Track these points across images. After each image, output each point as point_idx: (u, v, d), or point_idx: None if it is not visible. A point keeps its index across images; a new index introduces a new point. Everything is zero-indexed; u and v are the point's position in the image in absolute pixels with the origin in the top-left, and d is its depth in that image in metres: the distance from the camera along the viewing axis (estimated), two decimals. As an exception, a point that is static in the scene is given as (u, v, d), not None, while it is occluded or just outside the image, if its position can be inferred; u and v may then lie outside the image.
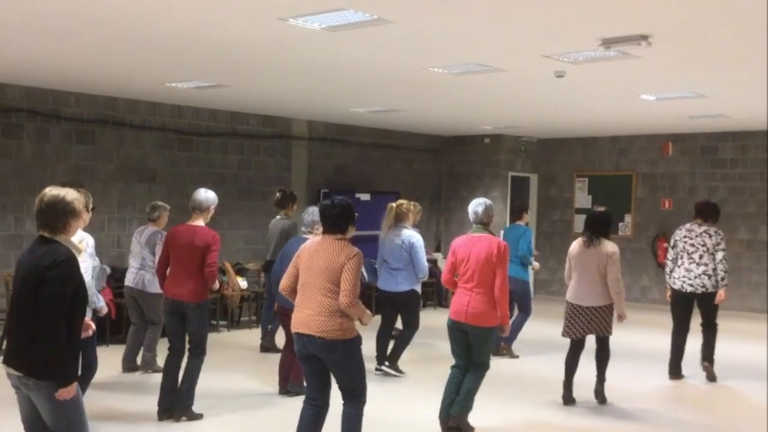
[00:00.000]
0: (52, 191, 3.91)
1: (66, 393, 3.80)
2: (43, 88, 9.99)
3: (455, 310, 6.12)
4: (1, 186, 9.73)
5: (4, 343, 4.13)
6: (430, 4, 5.73)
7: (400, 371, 8.32)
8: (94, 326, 4.95)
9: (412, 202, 8.43)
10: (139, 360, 8.32)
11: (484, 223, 6.21)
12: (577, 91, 9.45)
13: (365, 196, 13.14)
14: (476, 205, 6.23)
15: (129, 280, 8.25)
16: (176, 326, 6.54)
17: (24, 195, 9.92)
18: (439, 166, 15.52)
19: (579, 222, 14.79)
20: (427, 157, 15.24)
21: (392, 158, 14.54)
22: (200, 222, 6.49)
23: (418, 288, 8.28)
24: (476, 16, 6.06)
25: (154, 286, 7.92)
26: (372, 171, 14.15)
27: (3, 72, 9.02)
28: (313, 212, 7.02)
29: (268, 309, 9.32)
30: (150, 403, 6.71)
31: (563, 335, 7.29)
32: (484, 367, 6.21)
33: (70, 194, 3.91)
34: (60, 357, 3.77)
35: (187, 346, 6.54)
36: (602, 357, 7.29)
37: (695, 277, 8.13)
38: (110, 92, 10.38)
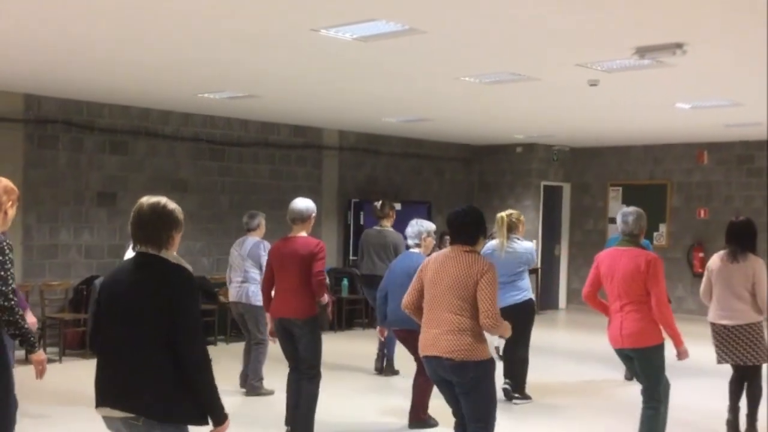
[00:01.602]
0: (150, 199, 3.44)
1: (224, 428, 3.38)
2: (78, 100, 10.10)
3: (611, 335, 5.43)
4: (36, 196, 9.84)
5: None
6: (463, 14, 5.69)
7: (527, 397, 7.67)
8: None
9: (517, 211, 7.89)
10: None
11: (634, 234, 5.45)
12: (610, 99, 9.35)
13: (396, 206, 13.07)
14: (625, 215, 5.47)
15: (233, 295, 7.85)
16: (289, 347, 6.07)
17: (58, 205, 10.02)
18: (471, 175, 15.44)
19: (613, 231, 14.62)
20: (458, 166, 15.18)
21: (423, 168, 14.50)
22: (303, 233, 6.07)
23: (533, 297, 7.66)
24: (509, 26, 6.02)
25: (259, 298, 7.35)
26: (403, 181, 14.12)
27: (39, 84, 9.13)
28: (418, 223, 6.70)
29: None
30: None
31: (719, 362, 6.39)
32: (655, 401, 5.40)
33: (170, 203, 3.47)
34: (212, 391, 3.31)
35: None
36: (752, 392, 6.37)
37: None
38: (143, 103, 10.47)
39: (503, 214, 7.64)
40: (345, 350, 9.95)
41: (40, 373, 4.38)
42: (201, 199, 11.34)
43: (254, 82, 8.71)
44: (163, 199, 3.46)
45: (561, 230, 15.46)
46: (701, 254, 13.78)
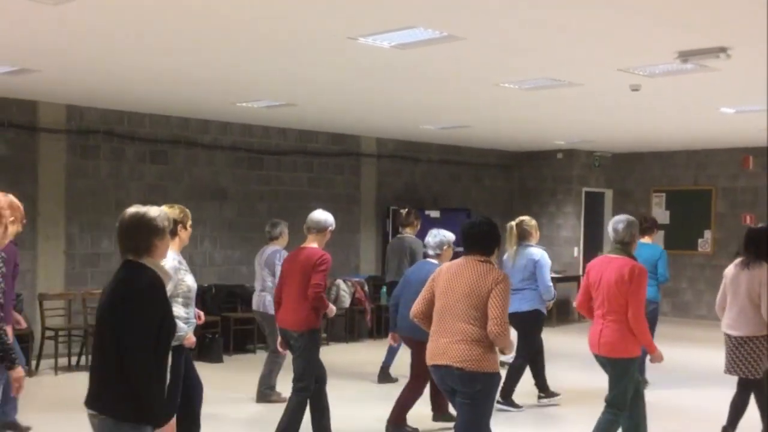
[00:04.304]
0: (131, 209, 3.51)
1: None
2: (119, 110, 10.21)
3: (590, 340, 5.39)
4: (78, 205, 9.95)
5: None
6: (501, 20, 5.62)
7: (517, 405, 7.54)
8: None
9: (529, 218, 7.77)
10: (278, 387, 7.71)
11: (625, 242, 5.35)
12: (653, 104, 9.20)
13: (435, 213, 13.03)
14: (616, 222, 5.41)
15: (254, 304, 7.95)
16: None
17: (100, 214, 10.12)
18: (510, 182, 15.31)
19: (657, 238, 14.45)
20: (497, 173, 15.06)
21: (462, 174, 14.41)
22: (314, 244, 5.98)
23: (543, 309, 7.54)
24: (549, 31, 5.93)
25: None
26: (441, 188, 14.05)
27: (81, 96, 9.24)
28: (439, 233, 6.56)
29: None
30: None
31: (725, 372, 6.28)
32: (616, 409, 5.34)
33: (152, 210, 3.51)
34: (149, 396, 3.34)
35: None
36: (740, 405, 6.20)
37: None
38: (183, 113, 10.55)
39: (512, 222, 7.58)
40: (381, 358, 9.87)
41: (16, 390, 4.41)
42: (240, 207, 11.39)
43: (292, 90, 8.72)
44: (144, 208, 3.52)
45: (603, 237, 15.26)
46: (747, 261, 13.52)
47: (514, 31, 5.95)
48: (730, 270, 6.31)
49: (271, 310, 7.42)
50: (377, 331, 11.80)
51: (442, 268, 4.81)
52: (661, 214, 14.59)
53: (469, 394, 4.54)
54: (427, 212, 12.84)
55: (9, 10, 5.55)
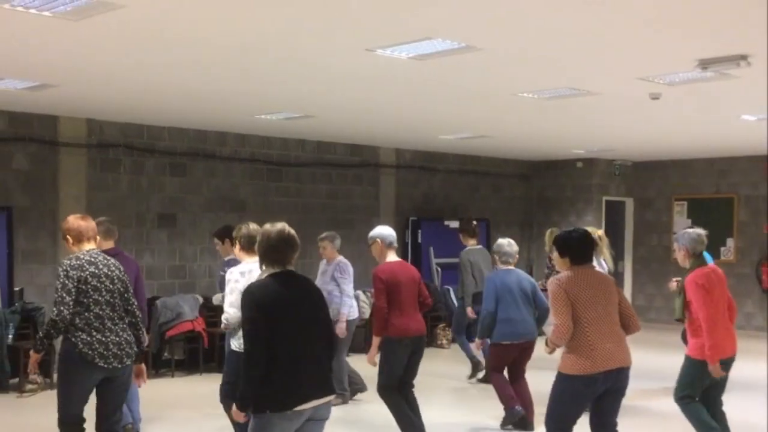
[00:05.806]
0: (276, 227, 4.09)
1: None
2: (138, 124, 10.26)
3: (727, 346, 5.74)
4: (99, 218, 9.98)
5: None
6: (519, 30, 5.61)
7: None
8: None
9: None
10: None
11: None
12: (673, 113, 9.14)
13: (454, 224, 12.95)
14: (701, 235, 5.86)
15: (357, 311, 8.22)
16: (408, 363, 6.43)
17: (121, 228, 10.03)
18: (530, 191, 15.25)
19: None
20: (516, 182, 15.00)
21: (481, 184, 14.37)
22: (396, 257, 6.48)
23: None
24: (567, 40, 5.91)
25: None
26: (460, 198, 14.01)
27: (101, 110, 9.31)
28: (511, 242, 7.21)
29: (468, 340, 9.10)
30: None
31: None
32: None
33: (291, 230, 4.10)
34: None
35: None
36: None
37: None
38: (201, 125, 10.59)
39: (600, 232, 7.88)
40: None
41: (141, 382, 5.29)
42: (259, 219, 11.22)
43: (310, 102, 8.73)
44: (285, 227, 4.09)
45: (624, 246, 15.15)
46: (772, 269, 13.38)
47: (532, 41, 5.93)
48: None
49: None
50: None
51: (574, 281, 4.91)
52: (682, 222, 14.46)
53: (625, 389, 4.99)
54: (446, 223, 12.81)
55: (30, 26, 5.59)
